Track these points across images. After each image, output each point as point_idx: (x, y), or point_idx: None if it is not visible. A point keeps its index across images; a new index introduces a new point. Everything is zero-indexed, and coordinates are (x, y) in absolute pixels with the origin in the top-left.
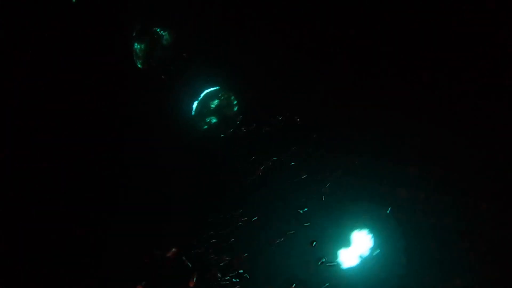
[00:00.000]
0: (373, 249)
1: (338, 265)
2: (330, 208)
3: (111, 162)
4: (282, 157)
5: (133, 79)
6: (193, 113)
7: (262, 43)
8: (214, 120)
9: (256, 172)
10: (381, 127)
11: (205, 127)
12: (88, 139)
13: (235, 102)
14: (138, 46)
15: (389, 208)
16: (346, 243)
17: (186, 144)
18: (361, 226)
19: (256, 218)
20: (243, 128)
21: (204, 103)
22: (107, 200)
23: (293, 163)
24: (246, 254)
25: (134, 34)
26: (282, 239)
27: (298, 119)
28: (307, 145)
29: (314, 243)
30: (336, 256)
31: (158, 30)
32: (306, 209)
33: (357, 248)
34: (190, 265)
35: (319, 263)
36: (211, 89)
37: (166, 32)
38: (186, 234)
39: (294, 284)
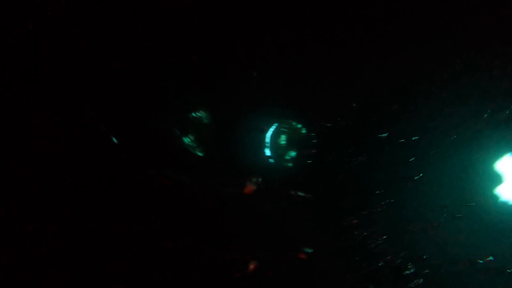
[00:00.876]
0: None
1: None
2: None
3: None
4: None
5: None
6: (273, 160)
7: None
8: (293, 153)
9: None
10: None
11: (290, 164)
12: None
13: (299, 126)
14: (188, 139)
15: None
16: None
17: (289, 184)
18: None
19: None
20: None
21: (275, 146)
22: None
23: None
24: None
25: (178, 132)
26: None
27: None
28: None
29: None
30: None
31: (194, 115)
32: None
33: None
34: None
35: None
36: (272, 129)
37: (201, 112)
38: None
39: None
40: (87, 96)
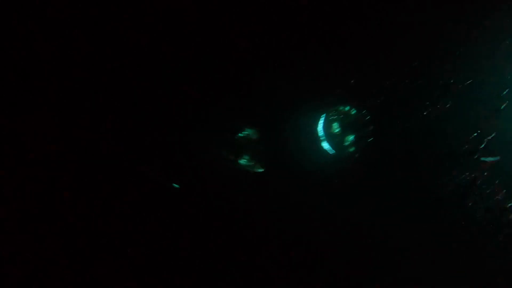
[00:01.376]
0: None
1: None
2: None
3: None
4: None
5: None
6: (333, 151)
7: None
8: (351, 137)
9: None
10: None
11: (352, 149)
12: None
13: (347, 109)
14: (243, 161)
15: None
16: None
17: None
18: None
19: None
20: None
21: (331, 136)
22: None
23: None
24: None
25: (233, 157)
26: None
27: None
28: None
29: None
30: None
31: (241, 135)
32: None
33: None
34: None
35: None
36: (321, 122)
37: (248, 130)
38: None
39: None
40: (87, 96)
